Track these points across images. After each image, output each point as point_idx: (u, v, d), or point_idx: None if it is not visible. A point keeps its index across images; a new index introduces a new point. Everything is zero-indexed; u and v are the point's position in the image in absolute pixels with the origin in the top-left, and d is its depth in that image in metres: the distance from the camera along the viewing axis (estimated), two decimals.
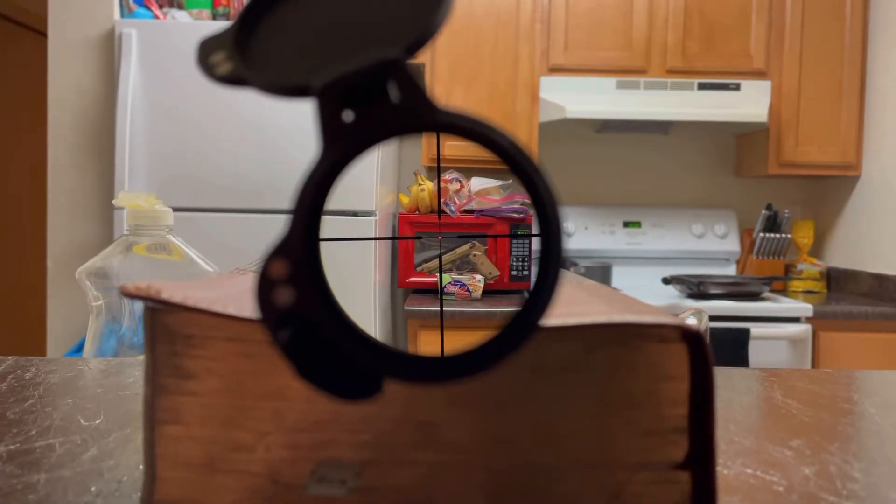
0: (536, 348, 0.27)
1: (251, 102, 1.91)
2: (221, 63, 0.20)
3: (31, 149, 3.40)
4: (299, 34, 0.20)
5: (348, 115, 0.18)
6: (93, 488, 0.32)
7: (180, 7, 2.15)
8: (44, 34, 3.42)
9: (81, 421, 0.42)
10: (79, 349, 1.87)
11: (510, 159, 0.17)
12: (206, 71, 0.20)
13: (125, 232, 0.74)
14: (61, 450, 0.37)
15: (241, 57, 0.20)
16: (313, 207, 0.17)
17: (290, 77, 0.18)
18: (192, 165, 1.91)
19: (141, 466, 0.34)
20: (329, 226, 1.92)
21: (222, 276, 0.35)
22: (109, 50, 2.03)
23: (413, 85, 0.18)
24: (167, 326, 0.27)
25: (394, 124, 0.17)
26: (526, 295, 0.18)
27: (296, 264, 0.17)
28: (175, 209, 1.82)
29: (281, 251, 0.17)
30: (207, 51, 0.20)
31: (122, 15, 2.07)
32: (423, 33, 0.18)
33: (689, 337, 0.26)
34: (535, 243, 2.29)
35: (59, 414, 0.44)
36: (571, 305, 0.29)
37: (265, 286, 0.18)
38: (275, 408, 0.27)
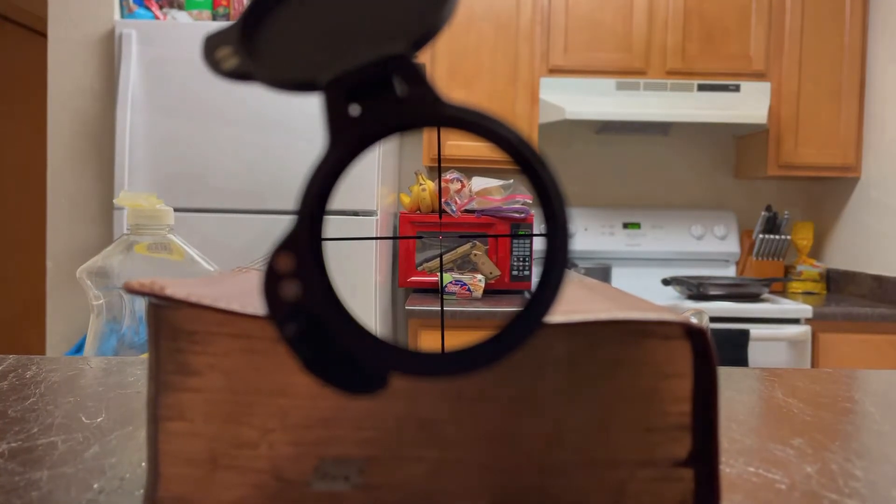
0: (540, 345, 0.27)
1: (251, 103, 1.91)
2: (227, 58, 0.20)
3: (31, 149, 3.40)
4: (305, 29, 0.20)
5: (355, 110, 0.18)
6: (95, 485, 0.31)
7: (180, 7, 2.15)
8: (44, 35, 3.42)
9: (83, 419, 0.42)
10: (79, 349, 1.87)
11: (516, 153, 0.17)
12: (212, 66, 0.20)
13: (126, 231, 0.74)
14: (63, 447, 0.37)
15: (248, 52, 0.20)
16: (319, 201, 0.17)
17: (297, 72, 0.19)
18: (191, 166, 1.91)
19: (143, 464, 0.34)
20: (330, 226, 1.92)
21: (225, 274, 0.35)
22: (109, 50, 2.03)
23: (419, 79, 0.18)
24: (171, 323, 0.27)
25: (400, 118, 0.17)
26: (527, 294, 0.18)
27: (302, 258, 0.17)
28: (174, 209, 1.82)
29: (287, 245, 0.17)
30: (213, 46, 0.20)
31: (122, 15, 2.07)
32: (429, 29, 0.18)
33: (693, 334, 0.26)
34: (537, 243, 2.29)
35: (61, 412, 0.44)
36: (575, 303, 0.29)
37: (272, 280, 0.18)
38: (278, 404, 0.27)
